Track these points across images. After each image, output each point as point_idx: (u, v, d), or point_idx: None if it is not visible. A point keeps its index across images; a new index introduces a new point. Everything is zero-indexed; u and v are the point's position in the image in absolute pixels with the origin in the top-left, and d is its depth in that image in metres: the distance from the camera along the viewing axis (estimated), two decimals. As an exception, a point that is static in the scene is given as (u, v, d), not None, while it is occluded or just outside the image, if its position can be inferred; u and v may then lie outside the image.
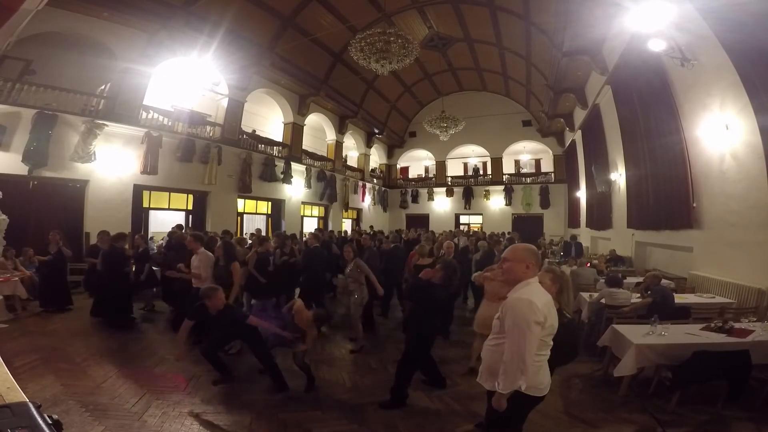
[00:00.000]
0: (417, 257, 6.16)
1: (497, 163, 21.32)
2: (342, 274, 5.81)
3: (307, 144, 16.75)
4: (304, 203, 16.16)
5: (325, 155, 18.05)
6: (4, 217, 6.99)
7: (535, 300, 1.95)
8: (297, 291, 6.90)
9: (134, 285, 6.80)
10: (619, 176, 10.61)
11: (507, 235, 11.51)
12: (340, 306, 7.74)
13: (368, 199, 20.99)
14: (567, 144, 17.79)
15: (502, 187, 20.62)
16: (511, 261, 2.13)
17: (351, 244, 5.93)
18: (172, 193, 11.43)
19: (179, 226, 8.84)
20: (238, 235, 11.90)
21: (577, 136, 15.07)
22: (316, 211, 17.65)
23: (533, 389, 2.00)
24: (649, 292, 4.93)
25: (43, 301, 6.58)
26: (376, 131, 20.83)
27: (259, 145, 14.00)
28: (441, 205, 22.16)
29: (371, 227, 15.95)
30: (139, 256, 7.03)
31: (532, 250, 2.15)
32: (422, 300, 3.72)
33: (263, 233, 10.55)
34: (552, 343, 2.08)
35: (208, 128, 12.18)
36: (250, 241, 7.98)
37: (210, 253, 5.24)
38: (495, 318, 2.17)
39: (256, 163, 13.29)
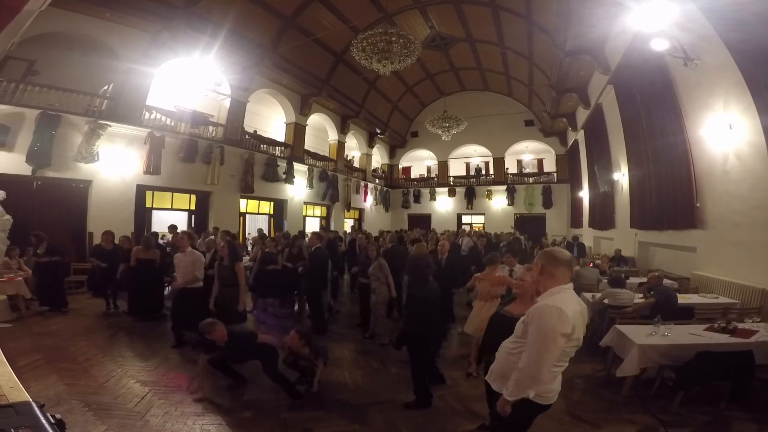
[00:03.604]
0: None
1: (499, 162, 21.29)
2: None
3: (309, 144, 16.75)
4: (306, 203, 16.17)
5: (327, 155, 18.07)
6: (8, 217, 7.03)
7: (566, 309, 1.83)
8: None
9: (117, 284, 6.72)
10: (621, 176, 10.57)
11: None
12: (343, 305, 7.75)
13: (370, 199, 20.99)
14: (569, 144, 17.74)
15: (505, 187, 20.58)
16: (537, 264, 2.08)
17: (376, 243, 5.92)
18: (174, 194, 11.47)
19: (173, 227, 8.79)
20: (240, 235, 11.93)
21: (580, 135, 15.03)
22: (318, 211, 17.66)
23: (541, 397, 1.94)
24: (652, 293, 4.92)
25: (41, 299, 6.59)
26: (378, 131, 20.83)
27: (262, 146, 14.02)
28: (443, 205, 22.14)
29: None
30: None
31: (546, 254, 2.05)
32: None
33: (265, 233, 10.59)
34: (573, 353, 1.98)
35: (211, 128, 12.21)
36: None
37: (198, 253, 5.22)
38: (519, 322, 2.07)
39: (258, 164, 13.31)
